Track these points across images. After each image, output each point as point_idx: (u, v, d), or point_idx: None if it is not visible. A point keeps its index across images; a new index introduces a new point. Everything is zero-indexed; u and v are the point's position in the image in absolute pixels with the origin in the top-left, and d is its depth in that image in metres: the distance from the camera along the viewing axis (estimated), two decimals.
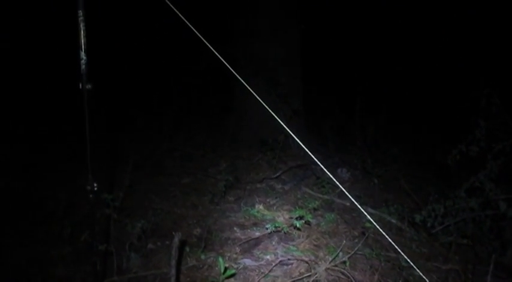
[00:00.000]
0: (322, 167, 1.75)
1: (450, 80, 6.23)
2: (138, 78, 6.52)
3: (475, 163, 3.11)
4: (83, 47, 1.93)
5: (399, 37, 7.02)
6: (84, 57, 1.92)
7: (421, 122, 5.87)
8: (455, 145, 3.18)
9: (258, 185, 4.04)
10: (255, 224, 3.32)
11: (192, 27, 2.07)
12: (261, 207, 3.58)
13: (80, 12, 1.92)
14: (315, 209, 3.43)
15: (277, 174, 4.17)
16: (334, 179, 1.70)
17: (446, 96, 5.91)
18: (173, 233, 2.15)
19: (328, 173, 1.75)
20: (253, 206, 3.61)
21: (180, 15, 2.05)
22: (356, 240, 3.06)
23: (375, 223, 1.69)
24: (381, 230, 1.74)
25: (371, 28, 7.00)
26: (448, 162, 3.14)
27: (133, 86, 6.31)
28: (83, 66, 1.92)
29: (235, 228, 3.25)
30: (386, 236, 1.73)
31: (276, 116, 2.02)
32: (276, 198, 3.78)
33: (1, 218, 3.14)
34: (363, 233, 3.13)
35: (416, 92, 6.52)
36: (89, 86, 1.92)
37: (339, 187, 2.13)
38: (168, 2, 2.05)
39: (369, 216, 1.69)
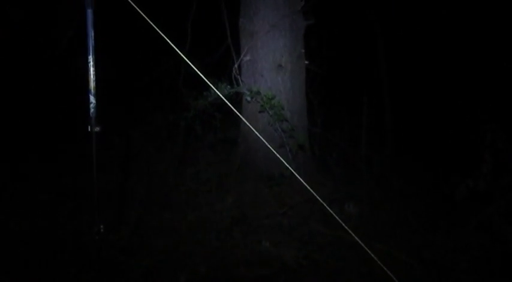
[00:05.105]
0: (326, 205, 1.76)
1: (455, 113, 6.26)
2: (144, 113, 6.63)
3: (484, 195, 3.10)
4: (92, 91, 2.01)
5: (403, 67, 7.12)
6: (94, 101, 2.00)
7: (427, 154, 5.86)
8: (462, 178, 3.18)
9: (265, 221, 4.01)
10: (262, 262, 3.28)
11: (197, 70, 2.15)
12: (267, 244, 3.55)
13: (90, 58, 2.02)
14: (322, 246, 3.39)
15: (284, 209, 4.15)
16: (338, 218, 1.70)
17: (452, 129, 5.93)
18: (178, 272, 2.15)
19: (332, 212, 1.75)
20: (259, 242, 3.58)
21: (184, 57, 2.13)
22: (364, 278, 3.00)
23: (380, 263, 1.68)
24: (385, 268, 1.72)
25: (375, 58, 7.08)
26: (455, 198, 3.13)
27: (139, 121, 6.41)
28: (92, 110, 1.99)
29: (241, 266, 3.21)
30: (392, 276, 1.71)
31: (277, 153, 2.06)
32: (282, 234, 3.75)
33: (5, 259, 3.14)
34: (371, 271, 3.07)
35: (422, 124, 6.55)
36: (97, 129, 1.99)
37: (347, 222, 2.13)
38: (172, 45, 2.14)
39: (373, 255, 1.68)
